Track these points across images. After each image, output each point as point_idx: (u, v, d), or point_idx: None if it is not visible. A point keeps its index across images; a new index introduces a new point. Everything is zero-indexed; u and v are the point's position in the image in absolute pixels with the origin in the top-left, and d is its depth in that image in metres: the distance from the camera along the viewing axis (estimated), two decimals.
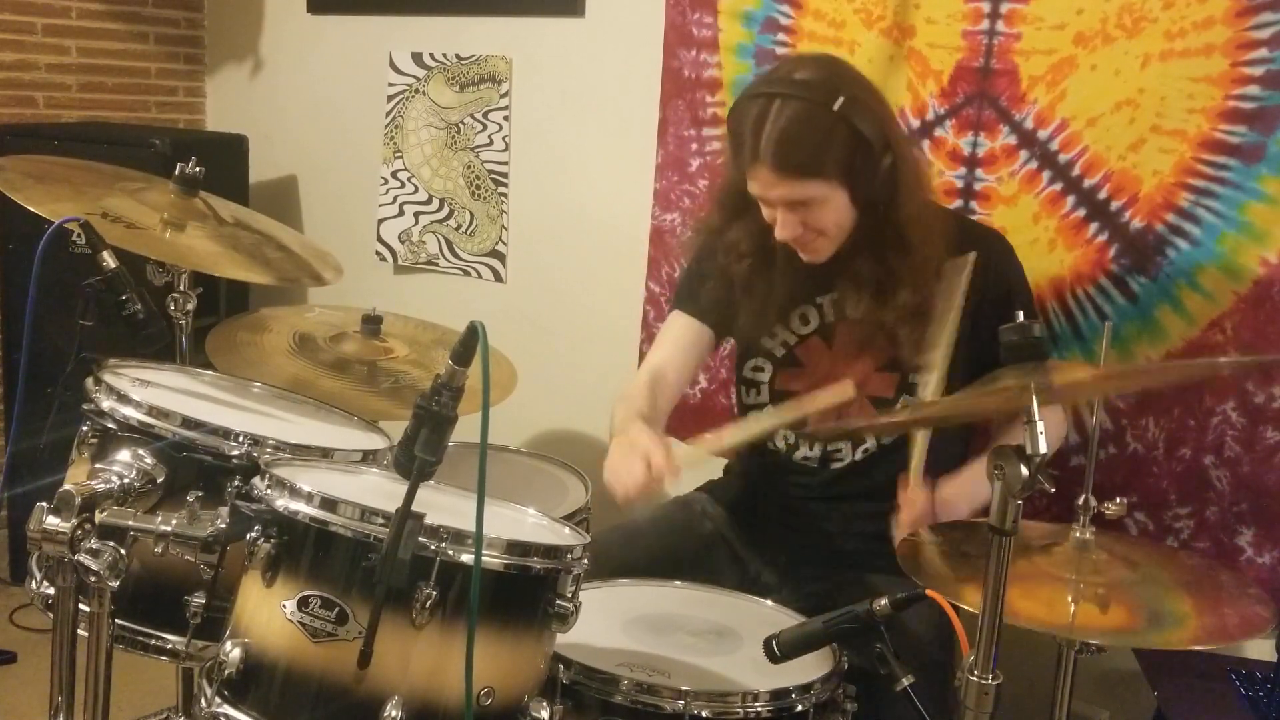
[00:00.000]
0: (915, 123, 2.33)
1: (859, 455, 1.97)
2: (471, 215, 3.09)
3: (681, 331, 2.05)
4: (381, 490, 1.46)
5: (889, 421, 1.91)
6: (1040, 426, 1.22)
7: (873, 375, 1.94)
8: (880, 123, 1.76)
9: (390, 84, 3.18)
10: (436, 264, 3.16)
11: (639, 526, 2.03)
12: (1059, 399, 1.77)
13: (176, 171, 2.07)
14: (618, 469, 1.69)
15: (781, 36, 2.49)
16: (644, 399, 1.93)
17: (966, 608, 1.37)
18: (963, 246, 1.87)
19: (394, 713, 1.23)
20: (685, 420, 2.72)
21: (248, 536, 1.30)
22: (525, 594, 1.33)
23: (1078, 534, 1.53)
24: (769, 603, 1.82)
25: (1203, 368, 1.84)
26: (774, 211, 1.80)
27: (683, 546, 1.97)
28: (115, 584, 1.34)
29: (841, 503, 1.98)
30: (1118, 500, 1.52)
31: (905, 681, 1.48)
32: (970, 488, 1.84)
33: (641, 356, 2.78)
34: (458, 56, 3.06)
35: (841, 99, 1.72)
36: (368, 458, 1.64)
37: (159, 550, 1.37)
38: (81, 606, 1.40)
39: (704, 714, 1.46)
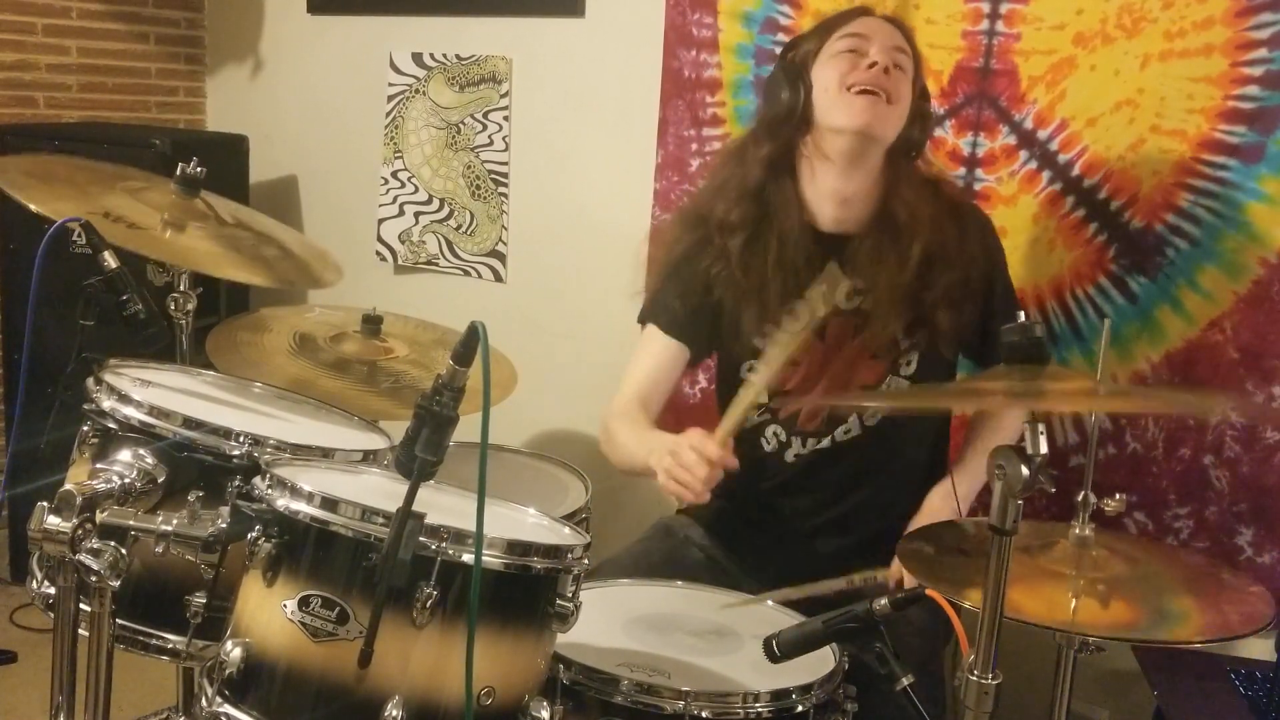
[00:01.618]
0: None
1: (840, 436, 1.97)
2: (471, 215, 3.09)
3: (660, 351, 2.04)
4: (382, 490, 1.46)
5: (864, 404, 1.93)
6: (1041, 427, 1.22)
7: (862, 363, 1.95)
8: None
9: (390, 84, 3.18)
10: (436, 264, 3.16)
11: (625, 558, 2.02)
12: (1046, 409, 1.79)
13: (178, 172, 2.07)
14: (674, 472, 1.70)
15: (781, 37, 2.49)
16: (643, 418, 1.97)
17: (967, 605, 1.37)
18: (947, 217, 1.89)
19: (394, 712, 1.23)
20: (685, 420, 2.72)
21: (248, 536, 1.30)
22: (526, 594, 1.33)
23: (1077, 531, 1.53)
24: (769, 603, 1.82)
25: (1198, 405, 1.86)
26: (859, 57, 1.85)
27: (670, 574, 1.97)
28: (116, 584, 1.35)
29: (819, 492, 1.98)
30: (1117, 496, 1.52)
31: (905, 681, 1.48)
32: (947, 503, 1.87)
33: None
34: (458, 56, 3.06)
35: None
36: (368, 458, 1.65)
37: (160, 550, 1.37)
38: (82, 606, 1.40)
39: (704, 714, 1.46)
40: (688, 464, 1.69)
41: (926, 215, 1.87)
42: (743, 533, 2.05)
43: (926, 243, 1.86)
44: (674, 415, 2.74)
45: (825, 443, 1.97)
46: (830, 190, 1.90)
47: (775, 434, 2.01)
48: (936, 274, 1.86)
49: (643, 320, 2.07)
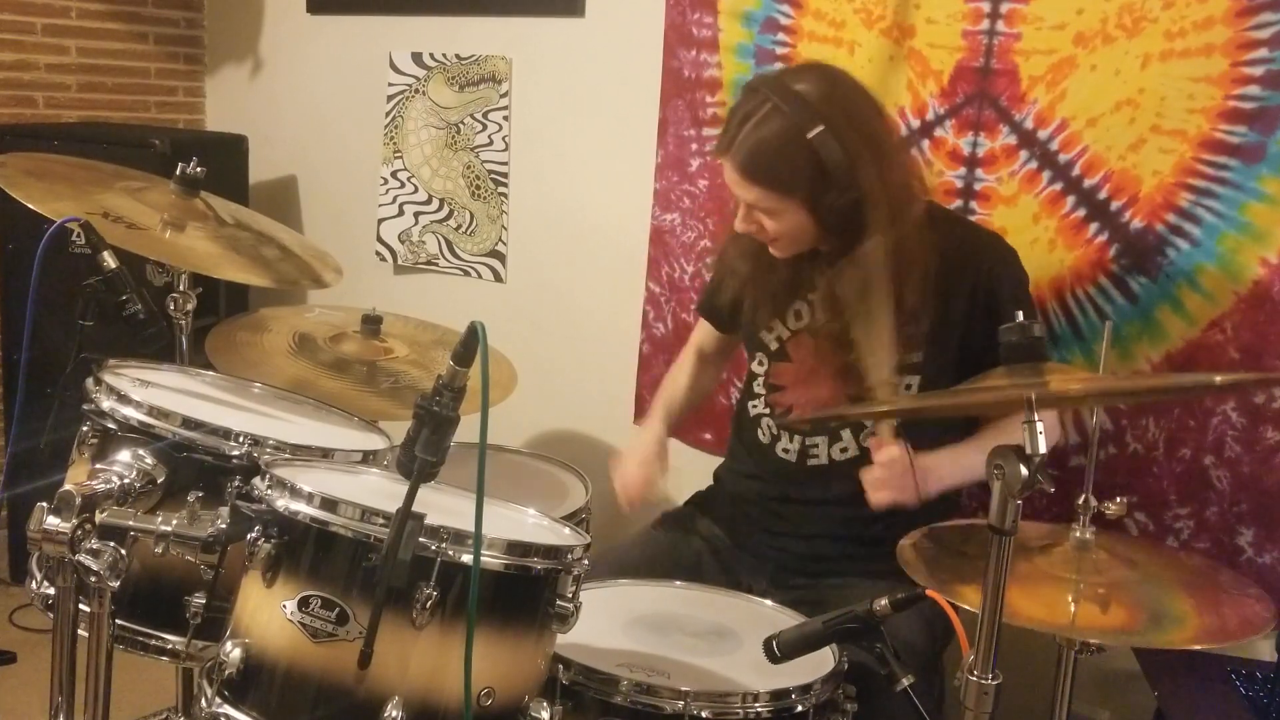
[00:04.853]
0: (915, 123, 2.33)
1: (836, 455, 1.97)
2: (471, 215, 3.09)
3: (704, 332, 2.26)
4: (382, 490, 1.47)
5: (867, 411, 1.93)
6: (1040, 426, 1.22)
7: (855, 374, 1.94)
8: (851, 158, 1.76)
9: (390, 84, 3.18)
10: (436, 264, 3.16)
11: (627, 549, 2.04)
12: (1050, 405, 1.78)
13: (178, 172, 2.07)
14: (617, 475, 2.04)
15: (781, 36, 2.49)
16: (686, 376, 2.24)
17: (966, 607, 1.37)
18: (957, 253, 1.88)
19: (394, 713, 1.23)
20: (685, 420, 2.72)
21: (248, 537, 1.30)
22: (525, 594, 1.33)
23: (1078, 534, 1.53)
24: (769, 603, 1.82)
25: (1198, 382, 1.85)
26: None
27: (672, 564, 1.98)
28: (115, 584, 1.34)
29: (823, 506, 1.98)
30: (1118, 500, 1.52)
31: (905, 681, 1.48)
32: (955, 461, 1.84)
33: (641, 357, 2.78)
34: (458, 56, 3.06)
35: (820, 129, 1.74)
36: (368, 458, 1.65)
37: (159, 550, 1.37)
38: (82, 607, 1.40)
39: (704, 714, 1.46)
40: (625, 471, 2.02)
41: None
42: (744, 525, 2.06)
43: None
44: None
45: (822, 457, 1.98)
46: None
47: (769, 427, 2.02)
48: (911, 309, 1.86)
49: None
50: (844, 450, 1.96)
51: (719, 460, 2.22)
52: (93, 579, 1.32)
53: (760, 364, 2.06)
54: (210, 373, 1.93)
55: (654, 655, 1.59)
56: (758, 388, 2.07)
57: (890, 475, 1.78)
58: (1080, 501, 1.53)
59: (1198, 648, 1.48)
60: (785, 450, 2.01)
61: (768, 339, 2.03)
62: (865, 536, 1.90)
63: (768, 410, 2.04)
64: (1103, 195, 2.16)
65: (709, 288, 2.22)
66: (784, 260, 1.92)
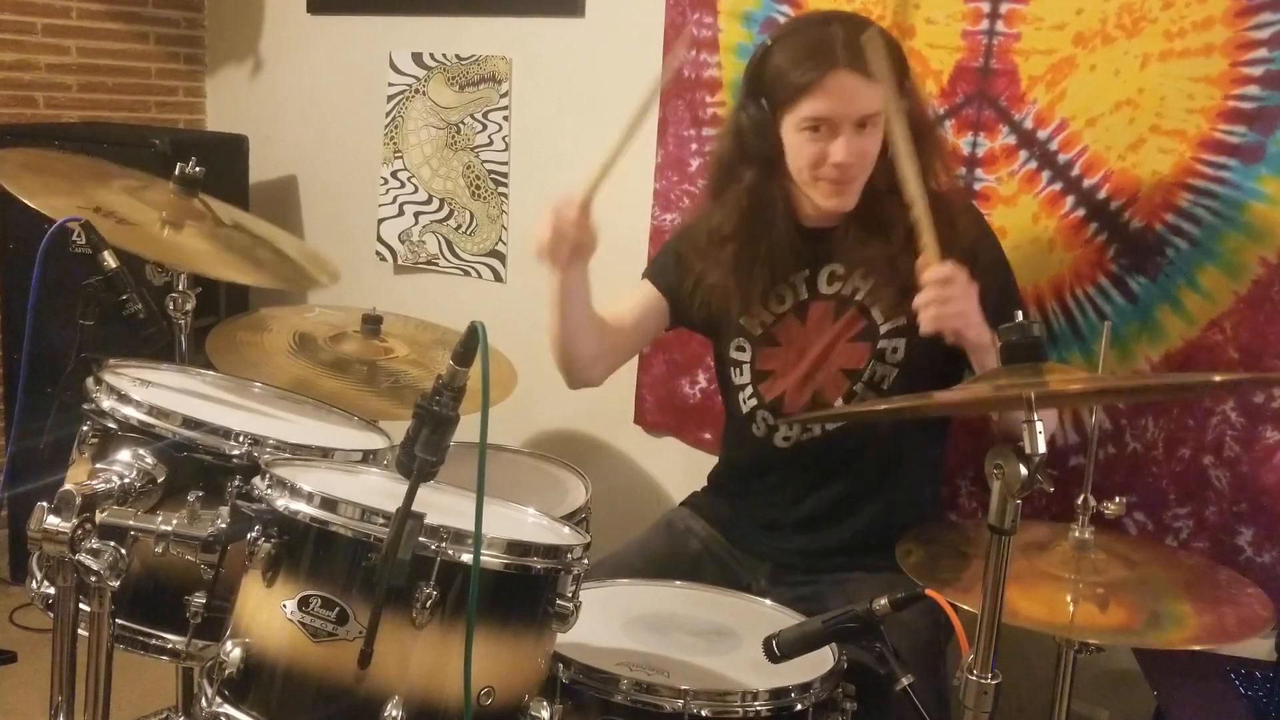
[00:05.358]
0: None
1: (830, 426, 1.98)
2: (471, 215, 3.09)
3: (641, 293, 2.18)
4: (382, 490, 1.47)
5: (862, 410, 1.94)
6: (1039, 426, 1.22)
7: (844, 346, 1.95)
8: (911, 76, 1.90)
9: (390, 84, 3.18)
10: (436, 264, 3.16)
11: (626, 554, 2.04)
12: (1050, 405, 1.77)
13: (177, 172, 2.07)
14: (538, 231, 1.97)
15: None
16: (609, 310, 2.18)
17: (965, 607, 1.38)
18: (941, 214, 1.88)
19: (394, 712, 1.23)
20: (685, 420, 2.73)
21: (248, 536, 1.31)
22: (525, 594, 1.33)
23: (1076, 533, 1.53)
24: (768, 603, 1.83)
25: (1197, 382, 1.85)
26: (823, 145, 1.82)
27: (671, 567, 1.98)
28: (116, 584, 1.35)
29: (818, 492, 1.99)
30: (1117, 500, 1.52)
31: (905, 681, 1.48)
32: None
33: (641, 357, 2.77)
34: (458, 56, 3.06)
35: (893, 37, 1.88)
36: (368, 458, 1.65)
37: (159, 550, 1.38)
38: (82, 606, 1.41)
39: (703, 713, 1.46)
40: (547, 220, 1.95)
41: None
42: (741, 525, 2.06)
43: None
44: (674, 416, 2.75)
45: (815, 428, 1.98)
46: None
47: (764, 418, 2.02)
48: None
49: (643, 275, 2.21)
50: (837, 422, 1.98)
51: (715, 460, 2.22)
52: (93, 578, 1.33)
53: (742, 350, 2.05)
54: (210, 372, 1.93)
55: (654, 654, 1.59)
56: (743, 376, 2.05)
57: (951, 294, 1.69)
58: (1079, 501, 1.53)
59: (1197, 647, 1.48)
60: (785, 439, 2.01)
61: (750, 324, 2.02)
62: (863, 531, 1.91)
63: (756, 401, 2.04)
64: (1102, 195, 2.16)
65: (664, 263, 2.14)
66: (770, 240, 1.92)
